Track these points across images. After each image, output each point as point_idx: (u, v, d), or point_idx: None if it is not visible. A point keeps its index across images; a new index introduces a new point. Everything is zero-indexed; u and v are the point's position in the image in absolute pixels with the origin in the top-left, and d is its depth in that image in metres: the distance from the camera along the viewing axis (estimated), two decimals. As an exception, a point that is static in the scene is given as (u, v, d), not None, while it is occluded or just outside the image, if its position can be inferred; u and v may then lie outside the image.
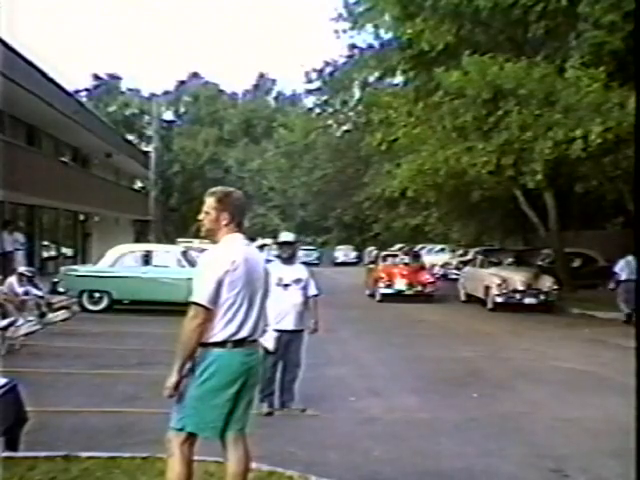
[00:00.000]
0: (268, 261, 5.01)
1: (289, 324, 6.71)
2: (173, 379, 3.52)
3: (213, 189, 3.83)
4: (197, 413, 3.54)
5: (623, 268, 15.38)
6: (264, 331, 3.83)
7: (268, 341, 6.25)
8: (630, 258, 15.15)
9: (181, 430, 3.58)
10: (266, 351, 6.10)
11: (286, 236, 7.12)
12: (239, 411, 3.64)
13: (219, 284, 3.50)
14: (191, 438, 3.62)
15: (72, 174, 26.19)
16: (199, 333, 3.48)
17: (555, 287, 17.94)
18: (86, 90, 57.52)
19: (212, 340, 3.52)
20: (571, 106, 14.75)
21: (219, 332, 3.53)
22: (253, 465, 4.33)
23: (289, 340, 6.77)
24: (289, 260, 6.83)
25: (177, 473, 3.59)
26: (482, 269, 19.49)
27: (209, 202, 3.72)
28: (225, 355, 3.54)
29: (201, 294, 3.50)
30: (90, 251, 29.48)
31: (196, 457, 4.41)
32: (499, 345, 12.26)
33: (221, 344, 3.53)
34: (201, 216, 3.76)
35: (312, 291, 7.05)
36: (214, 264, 3.58)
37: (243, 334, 3.58)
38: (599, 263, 22.27)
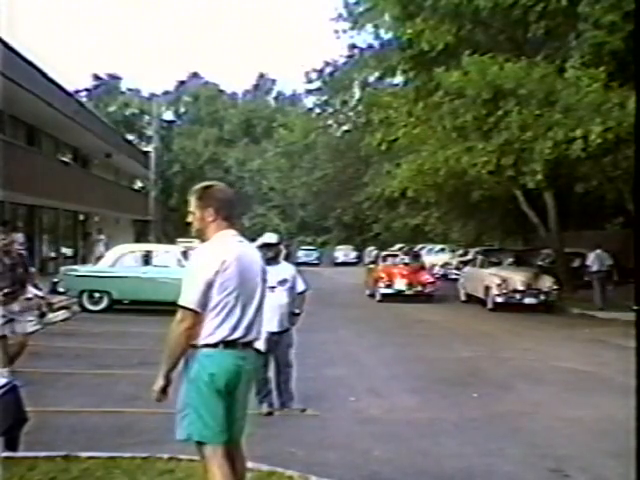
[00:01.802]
0: None
1: (274, 326, 6.66)
2: (160, 383, 3.41)
3: (195, 187, 3.65)
4: (200, 419, 3.40)
5: (594, 261, 18.04)
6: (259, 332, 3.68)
7: (259, 342, 6.25)
8: (599, 251, 18.09)
9: (188, 440, 3.45)
10: (257, 352, 6.09)
11: (269, 237, 7.09)
12: (236, 418, 3.53)
13: (209, 286, 3.34)
14: (220, 445, 3.42)
15: (72, 174, 26.23)
16: (187, 337, 3.35)
17: (555, 287, 17.96)
18: (86, 90, 57.56)
19: (204, 342, 3.39)
20: (571, 106, 14.75)
21: (212, 334, 3.39)
22: (253, 465, 4.34)
23: (276, 341, 6.76)
24: (273, 261, 6.76)
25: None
26: (482, 269, 19.49)
27: (192, 201, 3.57)
28: (216, 356, 3.39)
29: (189, 297, 3.34)
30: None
31: (198, 457, 4.41)
32: (499, 345, 12.26)
33: (213, 345, 3.39)
34: (189, 218, 3.61)
35: (300, 287, 7.11)
36: (203, 265, 3.41)
37: (237, 335, 3.43)
38: (599, 263, 22.25)
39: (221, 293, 3.38)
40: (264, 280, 3.69)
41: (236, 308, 3.43)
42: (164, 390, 3.44)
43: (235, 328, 3.43)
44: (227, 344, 3.41)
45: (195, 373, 3.40)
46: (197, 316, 3.35)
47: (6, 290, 7.40)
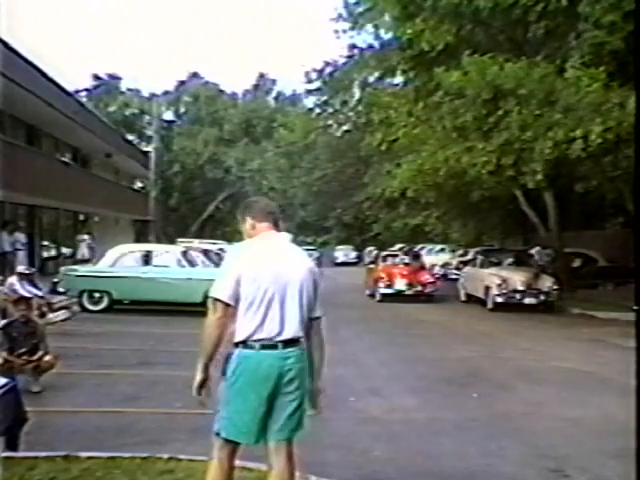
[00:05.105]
0: None
1: None
2: (198, 378, 3.46)
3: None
4: (228, 417, 3.42)
5: (537, 255, 21.44)
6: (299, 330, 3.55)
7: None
8: (538, 248, 21.77)
9: (218, 434, 3.47)
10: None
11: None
12: (280, 419, 3.44)
13: (237, 281, 3.40)
14: (231, 443, 3.47)
15: (72, 174, 26.20)
16: (218, 327, 3.39)
17: (555, 287, 17.96)
18: (86, 90, 57.37)
19: (237, 340, 3.43)
20: (571, 106, 14.75)
21: (241, 331, 3.42)
22: (253, 465, 4.33)
23: None
24: None
25: (212, 478, 3.48)
26: (482, 269, 19.48)
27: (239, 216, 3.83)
28: (251, 356, 3.40)
29: (217, 288, 3.43)
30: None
31: (198, 457, 4.40)
32: (499, 345, 12.26)
33: (248, 345, 3.40)
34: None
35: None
36: (232, 260, 3.58)
37: (269, 334, 3.41)
38: (599, 263, 22.30)
39: (249, 289, 3.41)
40: (308, 280, 3.59)
41: (264, 305, 3.41)
42: (203, 385, 3.47)
43: (266, 326, 3.41)
44: (264, 344, 3.41)
45: (232, 371, 3.43)
46: (227, 308, 3.40)
47: (21, 351, 7.45)
